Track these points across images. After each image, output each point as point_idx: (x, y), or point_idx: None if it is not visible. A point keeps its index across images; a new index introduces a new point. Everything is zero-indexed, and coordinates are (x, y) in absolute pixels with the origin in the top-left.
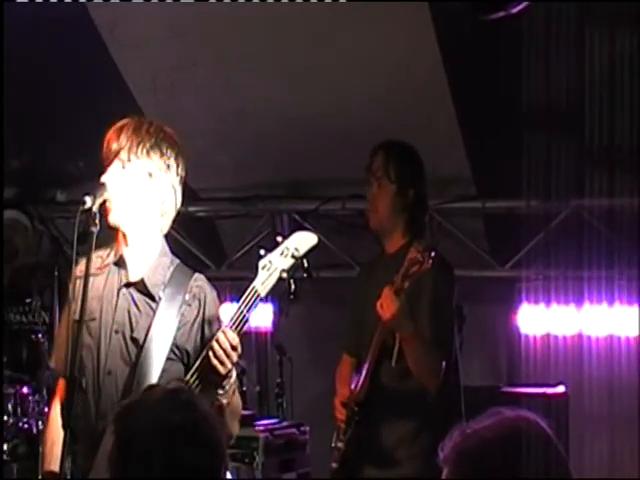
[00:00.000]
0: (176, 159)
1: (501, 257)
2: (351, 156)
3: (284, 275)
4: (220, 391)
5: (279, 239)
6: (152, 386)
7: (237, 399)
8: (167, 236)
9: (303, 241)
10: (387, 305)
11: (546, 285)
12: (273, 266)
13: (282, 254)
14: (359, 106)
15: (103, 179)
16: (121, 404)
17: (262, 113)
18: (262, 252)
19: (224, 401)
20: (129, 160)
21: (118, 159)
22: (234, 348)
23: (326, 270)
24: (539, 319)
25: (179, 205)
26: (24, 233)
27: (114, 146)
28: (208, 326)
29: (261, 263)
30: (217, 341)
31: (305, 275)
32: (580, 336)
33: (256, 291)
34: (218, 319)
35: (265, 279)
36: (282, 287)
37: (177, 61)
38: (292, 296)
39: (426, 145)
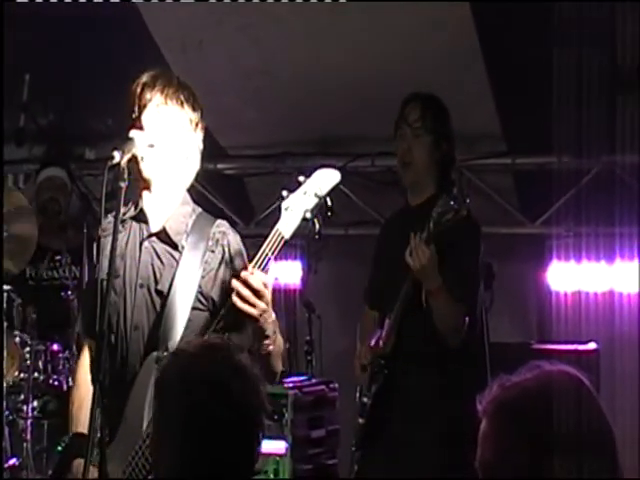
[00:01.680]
0: (202, 118)
1: (531, 214)
2: (380, 113)
3: (307, 215)
4: (266, 340)
5: (301, 179)
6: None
7: (279, 339)
8: (196, 194)
9: (325, 179)
10: (417, 256)
11: (577, 242)
12: (296, 207)
13: (305, 194)
14: (388, 63)
15: (132, 134)
16: (157, 355)
17: (290, 71)
18: (284, 193)
19: (270, 348)
20: (166, 104)
21: (154, 105)
22: (265, 285)
23: (354, 227)
24: (570, 276)
25: (198, 167)
26: (65, 190)
27: (148, 94)
28: (232, 271)
29: (284, 205)
30: (243, 282)
31: (329, 214)
32: (611, 293)
33: (280, 233)
34: (243, 262)
35: (288, 220)
36: (312, 244)
37: (206, 19)
38: (317, 236)
39: (456, 101)
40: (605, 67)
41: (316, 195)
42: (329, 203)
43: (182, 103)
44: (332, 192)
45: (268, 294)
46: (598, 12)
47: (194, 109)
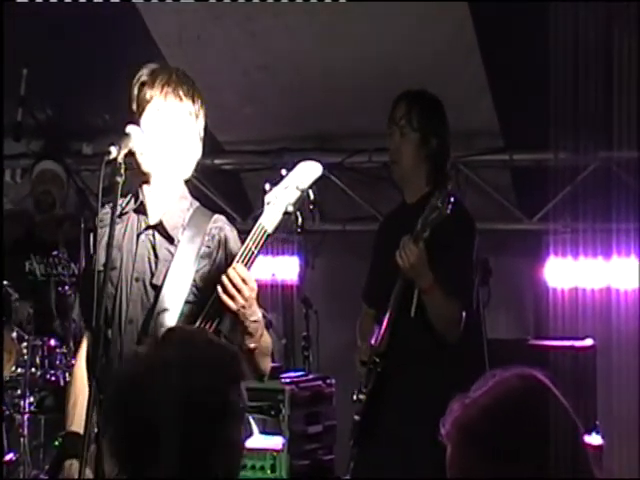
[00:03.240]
0: (202, 108)
1: (529, 210)
2: (378, 108)
3: (290, 209)
4: (248, 337)
5: (283, 172)
6: (171, 329)
7: (266, 339)
8: (192, 187)
9: (307, 172)
10: (406, 254)
11: (574, 238)
12: (278, 201)
13: (286, 187)
14: (386, 59)
15: (128, 129)
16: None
17: (288, 66)
18: (267, 187)
19: (252, 346)
20: (165, 102)
21: (154, 106)
22: (245, 282)
23: (352, 223)
24: (567, 272)
25: (199, 155)
26: (60, 184)
27: (148, 93)
28: (227, 266)
29: (266, 199)
30: (227, 276)
31: (312, 207)
32: (608, 289)
33: (263, 227)
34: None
35: (271, 215)
36: (309, 240)
37: (203, 14)
38: (299, 229)
39: (454, 97)
40: (602, 64)
41: (298, 188)
42: (312, 196)
43: (181, 98)
44: (315, 185)
45: (246, 290)
46: (594, 10)
47: (194, 101)
